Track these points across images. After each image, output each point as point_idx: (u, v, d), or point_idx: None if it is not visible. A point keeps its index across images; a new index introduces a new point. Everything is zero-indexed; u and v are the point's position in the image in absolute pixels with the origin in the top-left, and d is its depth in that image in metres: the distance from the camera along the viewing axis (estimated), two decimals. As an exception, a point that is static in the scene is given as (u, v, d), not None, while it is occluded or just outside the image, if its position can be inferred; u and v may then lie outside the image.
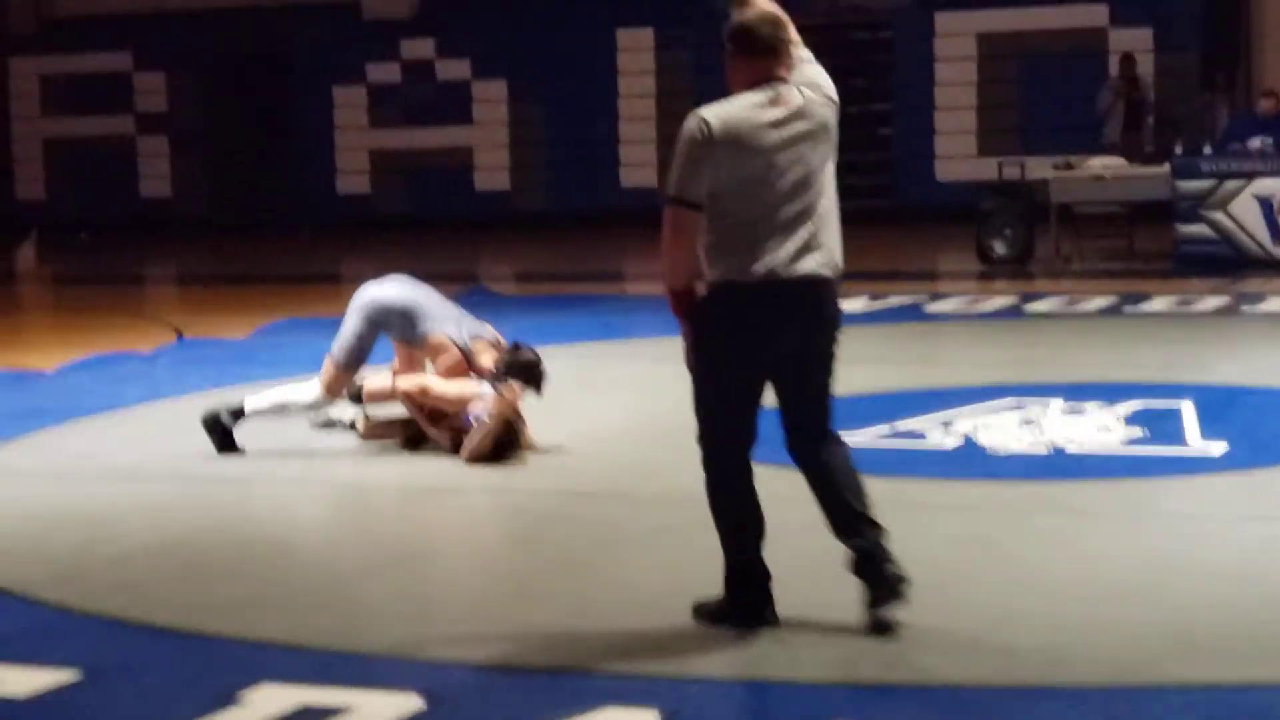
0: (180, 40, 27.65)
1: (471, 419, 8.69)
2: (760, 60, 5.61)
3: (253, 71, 27.80)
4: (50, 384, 11.67)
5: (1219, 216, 16.86)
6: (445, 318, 9.08)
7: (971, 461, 8.36)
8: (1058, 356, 11.87)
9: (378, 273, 9.48)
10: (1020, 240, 17.88)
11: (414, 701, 5.11)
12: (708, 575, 5.81)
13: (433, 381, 8.98)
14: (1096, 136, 20.56)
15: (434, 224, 25.56)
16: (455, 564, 7.18)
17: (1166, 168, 17.51)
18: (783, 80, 5.61)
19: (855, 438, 7.51)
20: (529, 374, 8.84)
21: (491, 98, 26.67)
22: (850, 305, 11.00)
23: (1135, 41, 23.09)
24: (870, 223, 18.36)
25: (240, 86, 27.80)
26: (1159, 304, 14.61)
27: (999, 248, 17.91)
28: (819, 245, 5.58)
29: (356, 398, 9.20)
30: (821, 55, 5.84)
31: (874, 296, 15.18)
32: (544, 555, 7.02)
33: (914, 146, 24.52)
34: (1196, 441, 8.65)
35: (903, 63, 25.02)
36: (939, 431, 8.98)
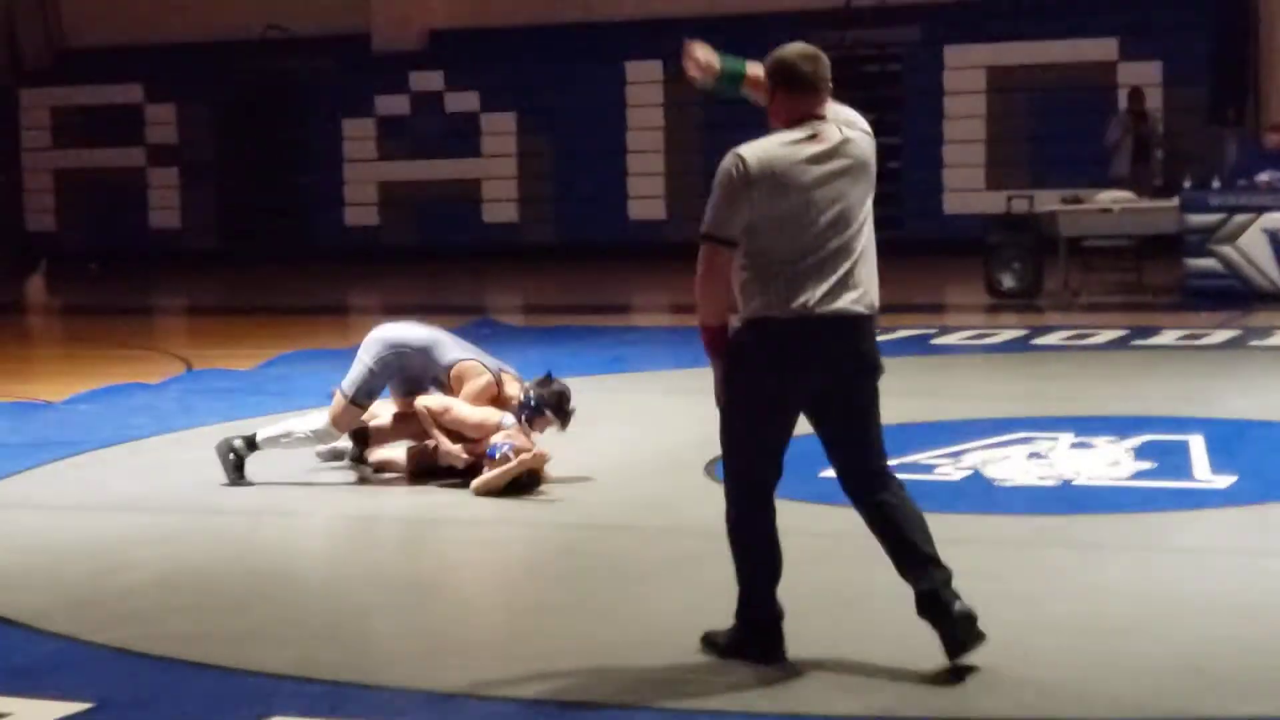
0: (191, 73, 27.74)
1: (497, 452, 8.66)
2: (800, 96, 5.60)
3: (263, 104, 27.92)
4: (59, 415, 11.66)
5: (1228, 250, 16.87)
6: (467, 349, 9.15)
7: (980, 495, 8.35)
8: (1066, 390, 11.85)
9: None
10: (1029, 273, 17.85)
11: (424, 734, 5.11)
12: (720, 609, 5.80)
13: (456, 403, 8.90)
14: (1105, 170, 20.56)
15: (442, 256, 25.57)
16: (465, 596, 7.18)
17: (1175, 201, 17.49)
18: (821, 118, 5.59)
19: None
20: (560, 406, 8.84)
21: (500, 130, 26.71)
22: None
23: (1144, 75, 23.10)
24: (878, 255, 18.25)
25: (250, 119, 27.91)
26: (1167, 338, 14.59)
27: (1007, 281, 17.88)
28: (856, 283, 5.56)
29: (362, 434, 9.20)
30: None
31: (882, 329, 15.09)
32: (554, 588, 7.03)
33: (923, 179, 24.49)
34: (1205, 475, 8.64)
35: (912, 96, 25.03)
36: (947, 464, 8.96)
